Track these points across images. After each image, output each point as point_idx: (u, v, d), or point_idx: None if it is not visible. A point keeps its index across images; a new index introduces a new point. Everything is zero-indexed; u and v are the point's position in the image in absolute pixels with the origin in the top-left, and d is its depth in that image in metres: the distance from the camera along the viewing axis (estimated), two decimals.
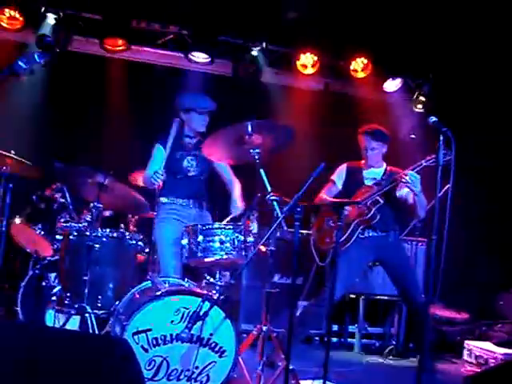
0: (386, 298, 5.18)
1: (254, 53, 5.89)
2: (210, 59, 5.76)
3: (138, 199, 3.66)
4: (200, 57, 5.77)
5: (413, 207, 4.05)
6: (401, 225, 4.38)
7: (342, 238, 4.03)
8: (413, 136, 5.95)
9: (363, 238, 4.11)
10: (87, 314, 3.42)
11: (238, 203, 3.94)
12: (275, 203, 3.08)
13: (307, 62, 5.99)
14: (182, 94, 4.02)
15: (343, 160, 4.43)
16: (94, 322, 3.43)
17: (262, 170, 3.19)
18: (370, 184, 4.17)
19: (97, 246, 3.51)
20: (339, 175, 4.34)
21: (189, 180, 3.98)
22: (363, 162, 4.30)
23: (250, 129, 3.21)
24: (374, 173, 4.25)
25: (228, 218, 3.88)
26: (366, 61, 6.03)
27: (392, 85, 6.28)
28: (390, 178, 4.08)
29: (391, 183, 4.03)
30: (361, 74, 6.08)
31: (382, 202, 4.05)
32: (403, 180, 3.90)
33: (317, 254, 4.32)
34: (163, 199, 3.97)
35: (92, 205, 3.53)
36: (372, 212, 4.03)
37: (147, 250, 4.48)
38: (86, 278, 3.41)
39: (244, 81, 6.04)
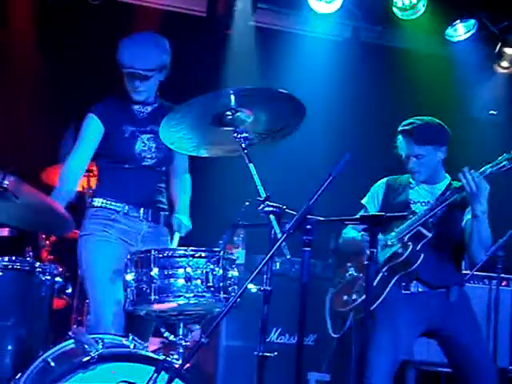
0: (446, 369, 5.22)
1: None
2: None
3: (55, 210, 3.67)
4: None
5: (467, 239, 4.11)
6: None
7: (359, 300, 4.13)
8: (493, 112, 6.05)
9: (408, 294, 4.18)
10: None
11: (186, 215, 4.07)
12: (273, 217, 3.12)
13: None
14: (122, 41, 4.06)
15: (376, 156, 4.51)
16: None
17: (251, 166, 3.24)
18: (418, 209, 4.20)
19: None
20: (373, 197, 4.42)
21: (142, 173, 4.05)
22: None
23: (233, 100, 3.26)
24: (426, 192, 4.29)
25: (175, 241, 3.97)
26: None
27: (460, 30, 6.41)
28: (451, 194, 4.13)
29: (447, 199, 4.06)
30: (410, 14, 6.19)
31: (429, 235, 4.09)
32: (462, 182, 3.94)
33: (331, 317, 4.43)
34: (97, 202, 4.02)
35: None
36: (409, 251, 4.06)
37: (69, 291, 4.51)
38: None
39: (223, 22, 6.12)
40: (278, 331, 5.19)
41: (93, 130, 4.04)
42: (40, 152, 5.21)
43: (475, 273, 5.25)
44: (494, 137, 6.23)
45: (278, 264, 5.15)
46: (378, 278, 4.10)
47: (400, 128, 4.27)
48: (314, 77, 6.06)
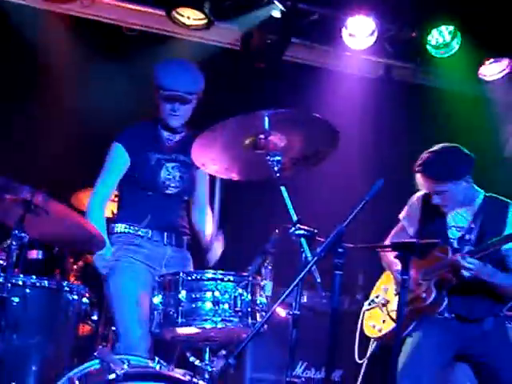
0: None
1: (275, 13, 6.01)
2: (206, 21, 5.87)
3: (85, 227, 3.69)
4: (191, 17, 5.90)
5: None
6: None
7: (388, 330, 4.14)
8: None
9: (441, 318, 4.10)
10: None
11: (214, 243, 4.05)
12: (303, 240, 3.09)
13: (359, 30, 6.11)
14: (159, 65, 4.11)
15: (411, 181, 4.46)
16: None
17: (283, 189, 3.22)
18: (454, 235, 4.16)
19: (15, 300, 3.53)
20: (410, 212, 4.35)
21: (165, 200, 4.06)
22: None
23: (266, 123, 3.26)
24: (460, 215, 4.21)
25: None
26: (453, 30, 6.11)
27: (493, 69, 6.37)
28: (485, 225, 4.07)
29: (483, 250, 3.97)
30: (444, 52, 6.18)
31: (454, 281, 4.01)
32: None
33: (359, 341, 4.44)
34: (119, 227, 4.02)
35: (12, 235, 3.55)
36: (432, 298, 4.02)
37: (95, 317, 4.49)
38: None
39: (257, 56, 6.15)
40: (304, 365, 5.13)
41: (118, 159, 4.05)
42: (70, 175, 5.24)
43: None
44: None
45: (305, 297, 5.12)
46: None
47: (416, 167, 4.12)
48: (346, 113, 6.04)
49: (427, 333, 4.08)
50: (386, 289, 4.40)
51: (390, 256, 4.26)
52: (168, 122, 4.06)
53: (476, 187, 4.21)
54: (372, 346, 4.49)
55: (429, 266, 4.06)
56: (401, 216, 4.37)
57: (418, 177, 4.12)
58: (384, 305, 4.33)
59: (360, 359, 4.60)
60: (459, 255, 3.93)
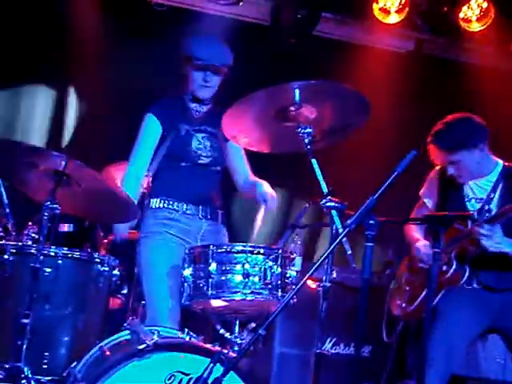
0: None
1: None
2: None
3: (119, 195, 3.69)
4: None
5: None
6: None
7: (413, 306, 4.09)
8: None
9: (469, 289, 4.08)
10: (24, 382, 3.42)
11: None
12: (334, 212, 3.09)
13: (390, 4, 6.10)
14: (189, 37, 4.14)
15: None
16: None
17: (314, 161, 3.22)
18: (473, 207, 4.10)
19: (47, 270, 3.55)
20: (429, 188, 4.34)
21: (198, 171, 4.06)
22: None
23: (297, 95, 3.24)
24: (479, 187, 4.15)
25: (260, 216, 3.86)
26: (486, 4, 6.08)
27: None
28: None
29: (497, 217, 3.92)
30: (476, 26, 6.14)
31: (474, 252, 3.97)
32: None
33: (386, 321, 4.42)
34: (155, 202, 4.03)
35: (43, 207, 3.57)
36: (453, 269, 3.98)
37: (125, 291, 4.52)
38: (25, 321, 3.41)
39: (287, 32, 6.11)
40: (333, 341, 5.12)
41: (151, 128, 4.06)
42: (103, 148, 5.26)
43: None
44: None
45: (334, 273, 5.09)
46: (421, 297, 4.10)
47: (427, 139, 4.08)
48: (376, 87, 6.00)
49: (458, 305, 4.05)
50: (410, 265, 4.38)
51: (413, 231, 4.27)
52: (198, 92, 4.05)
53: (493, 157, 4.15)
54: (400, 325, 4.49)
55: (449, 238, 4.01)
56: (421, 193, 4.35)
57: (431, 148, 4.07)
58: (408, 282, 4.30)
59: (388, 338, 4.59)
60: (477, 224, 3.88)
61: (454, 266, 3.99)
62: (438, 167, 4.26)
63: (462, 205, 4.13)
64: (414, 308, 4.19)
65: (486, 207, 4.06)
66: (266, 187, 3.96)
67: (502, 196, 4.06)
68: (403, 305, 4.29)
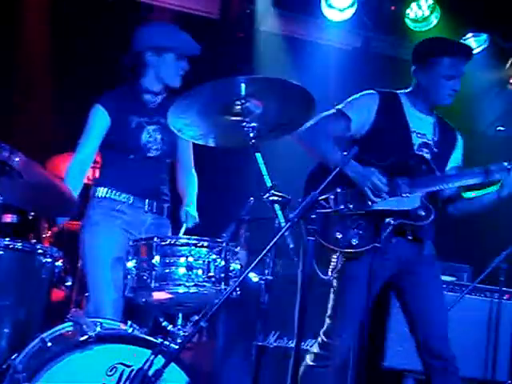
0: None
1: None
2: None
3: (62, 190, 3.68)
4: None
5: None
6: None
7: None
8: (500, 128, 6.04)
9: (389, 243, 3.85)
10: None
11: (193, 208, 4.09)
12: (277, 206, 3.11)
13: (338, 1, 6.17)
14: (149, 27, 4.13)
15: None
16: None
17: (258, 155, 3.23)
18: (416, 141, 3.97)
19: None
20: (361, 111, 4.03)
21: (147, 164, 4.06)
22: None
23: (243, 89, 3.25)
24: (420, 121, 4.02)
25: (182, 232, 3.98)
26: (432, 3, 6.18)
27: (471, 44, 6.33)
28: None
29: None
30: (422, 25, 6.24)
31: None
32: None
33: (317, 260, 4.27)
34: (100, 191, 4.01)
35: None
36: (432, 217, 3.84)
37: (69, 283, 4.49)
38: None
39: (235, 27, 6.13)
40: (277, 335, 5.15)
41: (98, 120, 4.04)
42: (47, 141, 5.21)
43: (477, 285, 5.19)
44: (501, 152, 6.21)
45: (278, 266, 5.12)
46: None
47: (455, 49, 3.97)
48: (323, 83, 6.05)
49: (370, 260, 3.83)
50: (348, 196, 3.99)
51: None
52: (174, 82, 4.06)
53: None
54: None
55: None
56: (340, 106, 4.06)
57: (454, 60, 3.93)
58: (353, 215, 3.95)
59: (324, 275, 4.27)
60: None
61: (432, 213, 3.84)
62: (373, 92, 4.07)
63: (407, 136, 3.99)
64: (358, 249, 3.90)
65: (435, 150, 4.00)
66: (191, 210, 4.10)
67: (440, 142, 4.02)
68: (340, 236, 3.91)
